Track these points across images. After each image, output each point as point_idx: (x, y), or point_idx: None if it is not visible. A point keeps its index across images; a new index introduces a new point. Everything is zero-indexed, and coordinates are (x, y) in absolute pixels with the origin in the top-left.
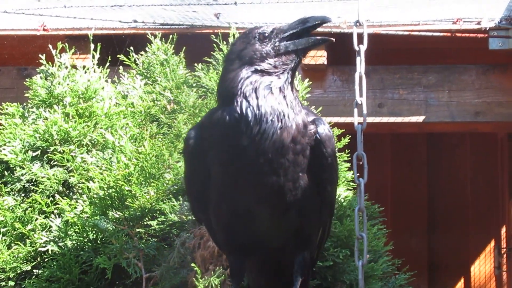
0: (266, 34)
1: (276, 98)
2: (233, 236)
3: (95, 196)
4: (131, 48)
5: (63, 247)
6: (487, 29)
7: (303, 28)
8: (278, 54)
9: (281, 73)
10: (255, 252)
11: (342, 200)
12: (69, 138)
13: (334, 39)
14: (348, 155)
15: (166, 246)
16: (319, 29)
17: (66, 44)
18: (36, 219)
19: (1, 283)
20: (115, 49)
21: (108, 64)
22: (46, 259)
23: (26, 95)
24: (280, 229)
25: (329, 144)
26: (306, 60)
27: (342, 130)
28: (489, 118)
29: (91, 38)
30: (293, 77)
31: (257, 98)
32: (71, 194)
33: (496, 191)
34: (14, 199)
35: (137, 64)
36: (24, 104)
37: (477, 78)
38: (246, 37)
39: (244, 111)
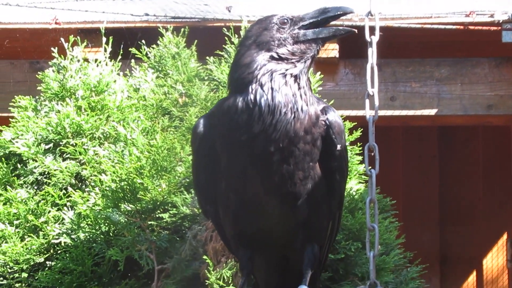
0: (286, 21)
1: (290, 89)
2: (241, 228)
3: (107, 188)
4: (143, 41)
5: (76, 239)
6: (500, 22)
7: (323, 18)
8: (296, 41)
9: (298, 61)
10: (263, 245)
11: (354, 193)
12: (81, 131)
13: (356, 30)
14: (360, 148)
15: (178, 239)
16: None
17: (78, 37)
18: (49, 212)
19: (14, 274)
20: (127, 42)
21: (120, 57)
22: (59, 251)
23: (39, 88)
24: (288, 219)
25: (339, 131)
26: None
27: (354, 123)
28: (501, 111)
29: (103, 31)
30: (309, 67)
31: (272, 88)
32: (83, 186)
33: (508, 184)
34: (27, 191)
35: (148, 58)
36: (37, 97)
37: (489, 71)
38: (264, 23)
39: (258, 100)
